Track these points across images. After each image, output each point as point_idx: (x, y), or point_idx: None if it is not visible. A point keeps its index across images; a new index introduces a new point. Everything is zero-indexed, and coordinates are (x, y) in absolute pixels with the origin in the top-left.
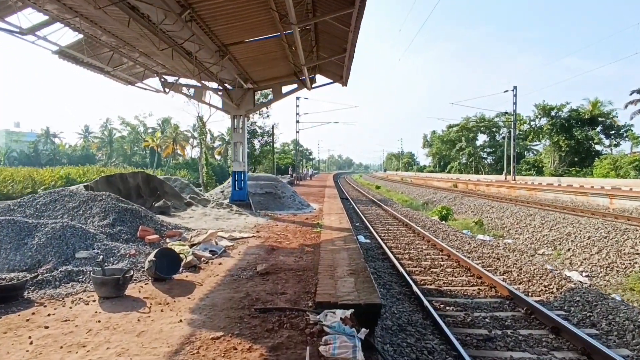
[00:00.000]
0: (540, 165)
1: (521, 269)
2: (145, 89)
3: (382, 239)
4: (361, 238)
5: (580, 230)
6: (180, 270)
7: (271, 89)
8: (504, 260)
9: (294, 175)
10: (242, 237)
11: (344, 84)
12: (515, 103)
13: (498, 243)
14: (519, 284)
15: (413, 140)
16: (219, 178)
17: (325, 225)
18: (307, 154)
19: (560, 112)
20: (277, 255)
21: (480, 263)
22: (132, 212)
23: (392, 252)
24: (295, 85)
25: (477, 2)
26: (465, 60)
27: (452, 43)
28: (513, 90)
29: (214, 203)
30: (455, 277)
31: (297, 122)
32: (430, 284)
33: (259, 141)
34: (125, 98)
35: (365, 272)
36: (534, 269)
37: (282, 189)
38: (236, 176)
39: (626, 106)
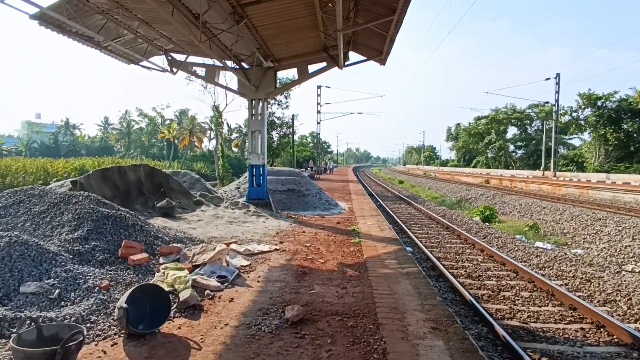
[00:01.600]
0: (580, 161)
1: (629, 298)
2: (150, 69)
3: (425, 247)
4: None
5: None
6: (170, 315)
7: (296, 68)
8: (598, 283)
9: (313, 169)
10: (262, 252)
11: (383, 61)
12: (557, 92)
13: (565, 253)
14: (637, 321)
15: (433, 134)
16: (236, 171)
17: (363, 233)
18: (326, 146)
19: (607, 102)
20: (311, 284)
21: (564, 285)
22: (115, 220)
23: (443, 266)
24: (324, 64)
25: None
26: (486, 55)
27: (471, 39)
28: (556, 78)
29: (228, 202)
30: (539, 306)
31: (319, 112)
32: (510, 318)
33: (278, 132)
34: (144, 89)
35: (457, 329)
36: None
37: (307, 186)
38: (254, 170)
39: None
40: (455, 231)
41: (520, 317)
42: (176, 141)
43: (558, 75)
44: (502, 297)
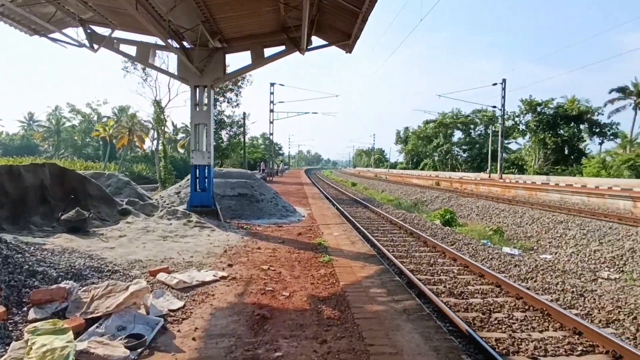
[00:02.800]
0: (520, 163)
1: (634, 317)
2: (62, 43)
3: (395, 257)
4: None
5: None
6: None
7: (249, 52)
8: (592, 298)
9: (266, 171)
10: (204, 283)
11: (350, 47)
12: (504, 97)
13: (535, 259)
14: None
15: (381, 137)
16: (181, 173)
17: (332, 248)
18: (277, 148)
19: (546, 109)
20: (275, 337)
21: (555, 301)
22: None
23: (421, 281)
24: (282, 47)
25: (439, 8)
26: (427, 65)
27: (416, 48)
28: (502, 84)
29: (164, 210)
30: (540, 331)
31: (272, 111)
32: (516, 352)
33: (227, 132)
34: (80, 86)
35: None
36: None
37: (261, 190)
38: (198, 172)
39: (605, 104)
40: (421, 237)
41: (527, 349)
42: (114, 140)
43: (504, 81)
44: (496, 322)
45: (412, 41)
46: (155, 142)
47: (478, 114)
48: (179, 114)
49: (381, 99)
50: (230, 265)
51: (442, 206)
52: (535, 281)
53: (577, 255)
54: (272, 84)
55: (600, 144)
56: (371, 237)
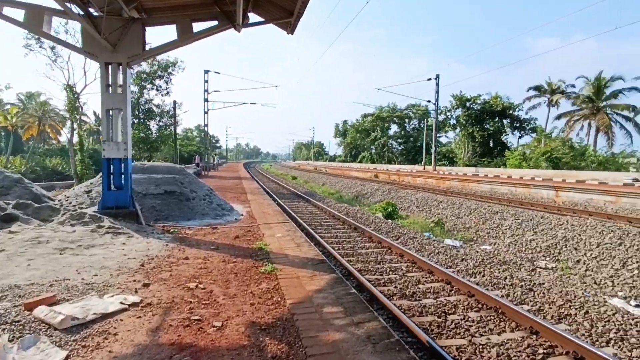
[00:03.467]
0: (451, 156)
1: (586, 311)
2: None
3: (342, 256)
4: None
5: (580, 235)
6: None
7: (175, 25)
8: (542, 292)
9: (200, 165)
10: (104, 315)
11: (292, 27)
12: (437, 91)
13: (477, 251)
14: (608, 343)
15: (320, 131)
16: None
17: (274, 253)
18: (214, 141)
19: (474, 104)
20: None
21: (505, 297)
22: None
23: (369, 281)
24: (214, 22)
25: (372, 6)
26: (361, 60)
27: (349, 43)
28: (436, 79)
29: (66, 214)
30: (498, 333)
31: (206, 100)
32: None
33: (157, 123)
34: None
35: None
36: (604, 310)
37: (192, 186)
38: (112, 167)
39: (524, 101)
40: (365, 232)
41: (490, 357)
42: (19, 131)
43: (438, 76)
44: (453, 325)
45: (346, 37)
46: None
47: (412, 109)
48: (98, 100)
49: (318, 92)
50: (146, 285)
51: (383, 199)
52: (483, 275)
53: (515, 245)
54: (206, 71)
55: (520, 137)
56: (316, 236)
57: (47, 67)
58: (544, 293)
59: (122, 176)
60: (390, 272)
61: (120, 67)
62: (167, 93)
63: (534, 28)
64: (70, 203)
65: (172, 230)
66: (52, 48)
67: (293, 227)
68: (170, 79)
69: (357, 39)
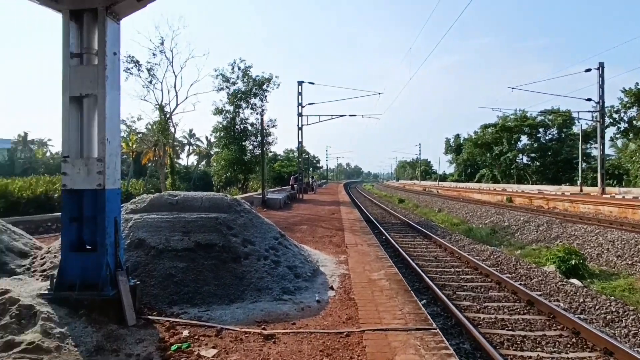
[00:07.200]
0: (618, 172)
1: None
2: None
3: None
4: None
5: None
6: None
7: None
8: None
9: (295, 186)
10: None
11: None
12: (602, 85)
13: None
14: None
15: (424, 148)
16: (198, 188)
17: None
18: (314, 161)
19: None
20: None
21: None
22: None
23: None
24: None
25: (474, 15)
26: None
27: (453, 55)
28: (598, 69)
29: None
30: None
31: (300, 114)
32: None
33: (252, 142)
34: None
35: None
36: None
37: (247, 232)
38: (80, 205)
39: None
40: (558, 315)
41: None
42: (136, 155)
43: (601, 65)
44: None
45: (445, 48)
46: (189, 157)
47: (549, 115)
48: (190, 122)
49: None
50: None
51: (541, 236)
52: None
53: None
54: (299, 83)
55: None
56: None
57: (144, 90)
58: None
59: (96, 223)
60: None
61: (96, 17)
62: (263, 111)
63: None
64: (44, 263)
65: (184, 334)
66: (149, 70)
67: (439, 338)
68: (265, 96)
69: (457, 50)
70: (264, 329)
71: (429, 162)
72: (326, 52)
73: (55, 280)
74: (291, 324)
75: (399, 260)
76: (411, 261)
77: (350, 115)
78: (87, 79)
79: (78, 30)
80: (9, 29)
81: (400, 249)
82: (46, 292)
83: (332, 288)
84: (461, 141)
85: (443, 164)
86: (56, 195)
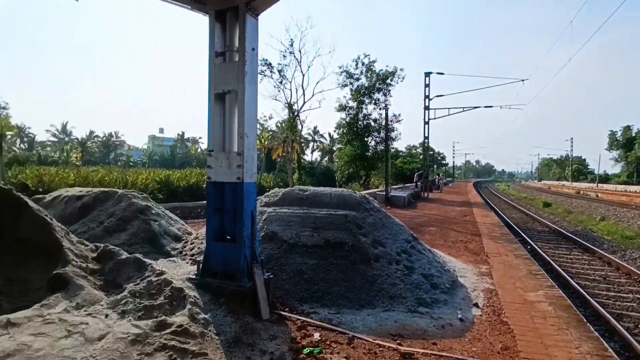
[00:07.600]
0: None
1: None
2: None
3: None
4: None
5: None
6: None
7: None
8: None
9: (418, 184)
10: None
11: None
12: None
13: None
14: None
15: (579, 143)
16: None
17: None
18: (439, 158)
19: None
20: None
21: None
22: None
23: None
24: None
25: None
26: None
27: (619, 29)
28: None
29: (141, 284)
30: None
31: (427, 108)
32: None
33: (374, 138)
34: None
35: None
36: None
37: (377, 232)
38: (223, 196)
39: None
40: None
41: None
42: (268, 151)
43: None
44: None
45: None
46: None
47: None
48: (314, 119)
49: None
50: None
51: None
52: None
53: None
54: (427, 74)
55: None
56: None
57: (275, 90)
58: None
59: (234, 214)
60: None
61: (237, 16)
62: (386, 107)
63: None
64: (194, 247)
65: (315, 337)
66: (280, 71)
67: None
68: (389, 91)
69: (629, 20)
70: (399, 344)
71: (584, 159)
72: (461, 38)
73: (201, 266)
74: (431, 343)
75: (553, 277)
76: (570, 279)
77: (485, 107)
78: (229, 76)
79: (221, 30)
80: (170, 38)
81: (552, 262)
82: (193, 276)
83: (476, 305)
84: (633, 134)
85: (604, 162)
86: (204, 185)
